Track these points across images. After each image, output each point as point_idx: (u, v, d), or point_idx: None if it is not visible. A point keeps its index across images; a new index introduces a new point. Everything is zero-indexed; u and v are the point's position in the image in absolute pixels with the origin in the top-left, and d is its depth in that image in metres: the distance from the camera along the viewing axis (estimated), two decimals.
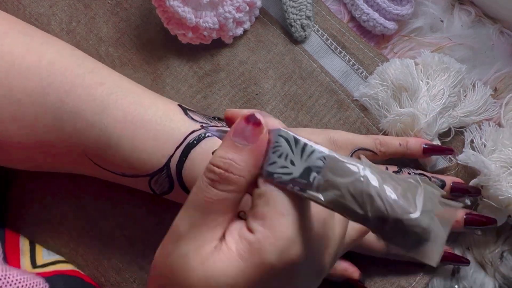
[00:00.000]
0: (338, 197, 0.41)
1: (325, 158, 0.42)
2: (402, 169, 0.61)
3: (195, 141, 0.56)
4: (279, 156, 0.42)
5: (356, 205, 0.40)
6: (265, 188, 0.42)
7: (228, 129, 0.44)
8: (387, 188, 0.40)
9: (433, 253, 0.40)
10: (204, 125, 0.57)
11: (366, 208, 0.40)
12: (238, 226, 0.43)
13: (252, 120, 0.42)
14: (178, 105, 0.59)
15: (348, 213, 0.41)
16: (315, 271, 0.45)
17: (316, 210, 0.44)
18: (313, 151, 0.42)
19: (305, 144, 0.42)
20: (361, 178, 0.40)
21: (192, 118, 0.58)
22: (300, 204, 0.42)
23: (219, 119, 0.60)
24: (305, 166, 0.42)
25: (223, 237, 0.42)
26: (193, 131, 0.57)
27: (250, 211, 0.42)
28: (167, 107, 0.58)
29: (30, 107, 0.56)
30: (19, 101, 0.56)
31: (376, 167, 0.41)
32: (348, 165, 0.41)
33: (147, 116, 0.56)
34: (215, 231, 0.42)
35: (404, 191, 0.40)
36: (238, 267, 0.41)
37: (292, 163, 0.42)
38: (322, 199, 0.41)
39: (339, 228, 0.46)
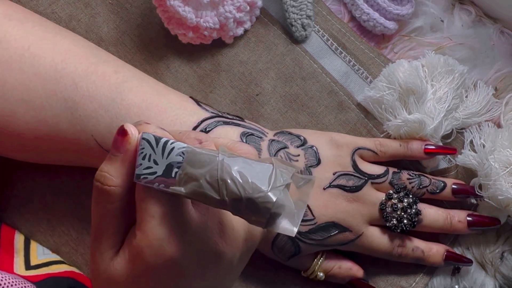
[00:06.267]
0: (197, 187, 0.43)
1: (183, 153, 0.44)
2: (402, 171, 0.61)
3: (207, 128, 0.57)
4: (143, 158, 0.44)
5: (213, 192, 0.43)
6: (137, 194, 0.45)
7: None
8: (241, 172, 0.43)
9: (289, 224, 0.44)
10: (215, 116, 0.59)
11: (222, 193, 0.43)
12: (131, 233, 0.47)
13: (119, 131, 0.46)
14: (190, 97, 0.60)
15: (209, 201, 0.44)
16: (210, 259, 0.47)
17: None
18: (172, 148, 0.44)
19: (165, 142, 0.44)
20: (216, 167, 0.43)
21: (205, 109, 0.59)
22: (172, 201, 0.45)
23: (229, 114, 0.60)
24: (167, 163, 0.44)
25: (123, 243, 0.47)
26: (206, 119, 0.58)
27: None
28: (180, 97, 0.59)
29: (41, 90, 0.56)
30: (30, 83, 0.56)
31: (234, 154, 0.44)
32: (205, 156, 0.44)
33: (161, 104, 0.57)
34: (112, 239, 0.47)
35: (257, 173, 0.43)
36: (127, 271, 0.46)
37: (155, 162, 0.44)
38: (183, 191, 0.44)
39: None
